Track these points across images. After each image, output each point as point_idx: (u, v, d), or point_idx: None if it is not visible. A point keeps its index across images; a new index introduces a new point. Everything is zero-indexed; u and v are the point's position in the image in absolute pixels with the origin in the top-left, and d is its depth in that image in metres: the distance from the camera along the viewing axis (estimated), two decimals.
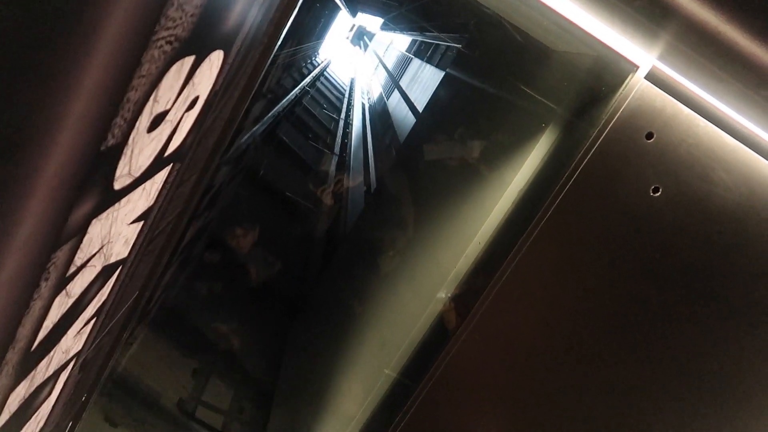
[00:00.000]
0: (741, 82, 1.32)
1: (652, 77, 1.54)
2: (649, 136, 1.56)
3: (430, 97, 5.45)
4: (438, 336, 1.94)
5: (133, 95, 0.74)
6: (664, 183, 1.59)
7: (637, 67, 1.55)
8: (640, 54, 1.53)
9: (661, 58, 1.50)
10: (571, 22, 1.49)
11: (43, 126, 0.55)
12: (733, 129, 1.55)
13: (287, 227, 6.36)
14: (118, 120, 0.74)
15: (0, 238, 0.60)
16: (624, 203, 1.60)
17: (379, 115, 11.98)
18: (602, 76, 1.70)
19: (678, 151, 1.57)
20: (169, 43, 0.78)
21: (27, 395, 1.07)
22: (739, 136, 1.55)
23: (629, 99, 1.54)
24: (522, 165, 1.87)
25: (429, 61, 10.20)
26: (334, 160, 9.84)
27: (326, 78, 16.68)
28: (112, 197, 0.89)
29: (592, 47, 1.68)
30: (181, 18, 0.77)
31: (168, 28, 0.74)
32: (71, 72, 0.54)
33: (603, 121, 1.56)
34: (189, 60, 0.91)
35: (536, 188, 1.79)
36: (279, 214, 6.64)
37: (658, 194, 1.59)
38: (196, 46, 0.91)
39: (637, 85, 1.54)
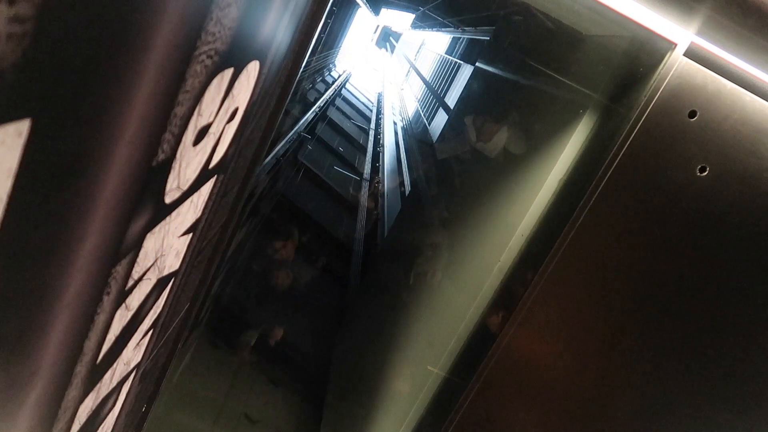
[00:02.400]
0: None
1: (692, 53, 1.50)
2: (692, 114, 1.52)
3: (467, 96, 4.92)
4: (485, 332, 1.93)
5: (179, 110, 0.77)
6: (711, 162, 1.54)
7: (675, 45, 1.51)
8: (678, 31, 1.49)
9: (699, 33, 1.46)
10: (603, 5, 1.47)
11: (101, 146, 0.57)
12: None
13: (327, 231, 6.43)
14: (167, 135, 0.76)
15: (65, 256, 0.62)
16: (670, 185, 1.56)
17: (419, 142, 8.04)
18: (639, 57, 1.66)
19: (723, 127, 1.52)
20: (210, 57, 0.80)
21: (94, 407, 1.11)
22: None
23: (669, 78, 1.50)
24: (561, 153, 1.84)
25: (467, 60, 7.65)
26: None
27: (346, 98, 13.28)
28: (164, 211, 0.92)
29: (626, 28, 1.65)
30: (219, 32, 0.79)
31: (208, 43, 0.76)
32: (124, 92, 0.56)
33: (643, 102, 1.52)
34: (228, 72, 0.93)
35: (577, 176, 1.76)
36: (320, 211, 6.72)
37: (705, 174, 1.55)
38: (234, 58, 0.93)
39: (676, 63, 1.50)
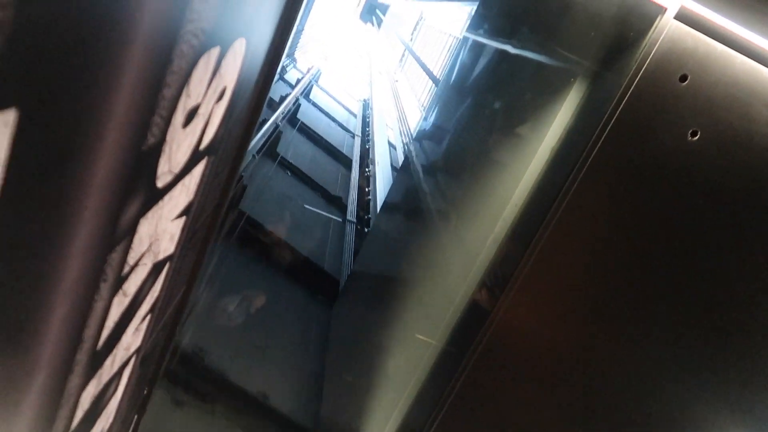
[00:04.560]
0: None
1: (683, 16, 1.48)
2: (683, 78, 1.51)
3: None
4: (481, 303, 1.94)
5: (168, 92, 0.75)
6: (703, 126, 1.54)
7: (665, 9, 1.50)
8: None
9: None
10: None
11: (89, 132, 0.56)
12: None
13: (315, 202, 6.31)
14: (156, 118, 0.75)
15: (60, 245, 0.62)
16: (662, 151, 1.56)
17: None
18: (629, 22, 1.65)
19: (715, 91, 1.52)
20: (196, 36, 0.78)
21: (97, 393, 1.12)
22: None
23: (659, 42, 1.49)
24: (552, 122, 1.84)
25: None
26: None
27: (310, 117, 8.69)
28: (156, 195, 0.91)
29: None
30: (204, 9, 0.77)
31: (193, 21, 0.75)
32: (111, 76, 0.55)
33: (633, 68, 1.51)
34: (215, 51, 0.91)
35: (569, 144, 1.76)
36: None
37: (696, 138, 1.55)
38: (221, 36, 0.91)
39: (666, 26, 1.48)
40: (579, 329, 1.74)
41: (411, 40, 15.70)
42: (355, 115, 11.81)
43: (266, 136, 5.99)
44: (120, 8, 0.51)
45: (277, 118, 6.67)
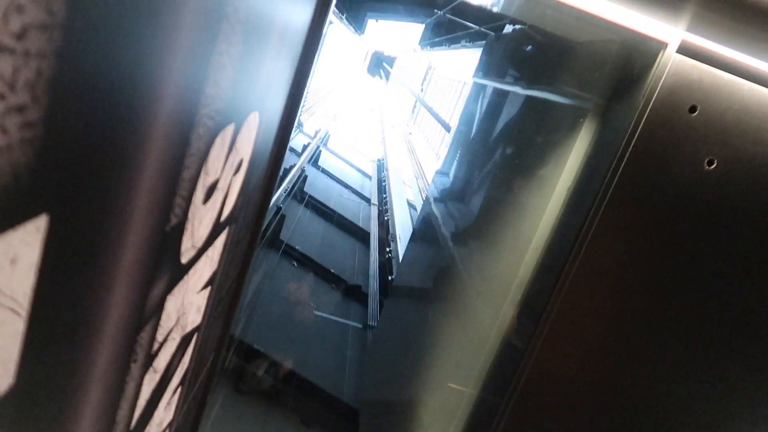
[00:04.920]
0: None
1: (684, 50, 1.50)
2: (693, 109, 1.52)
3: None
4: (513, 347, 1.91)
5: (187, 173, 0.78)
6: (718, 154, 1.54)
7: (666, 44, 1.52)
8: (667, 29, 1.50)
9: (689, 29, 1.46)
10: (588, 13, 1.48)
11: (115, 224, 0.58)
12: None
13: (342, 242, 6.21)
14: (177, 199, 0.77)
15: (92, 332, 0.63)
16: (680, 182, 1.55)
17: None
18: (632, 59, 1.67)
19: (725, 119, 1.52)
20: (211, 117, 0.82)
21: None
22: None
23: (664, 76, 1.51)
24: (566, 161, 1.84)
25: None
26: None
27: (320, 182, 8.41)
28: (181, 271, 0.93)
29: (615, 33, 1.66)
30: (217, 93, 0.81)
31: (208, 105, 0.78)
32: (133, 170, 0.57)
33: (641, 103, 1.52)
34: (230, 128, 0.95)
35: (585, 182, 1.76)
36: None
37: (713, 166, 1.54)
38: (234, 114, 0.95)
39: (669, 60, 1.50)
40: (613, 364, 1.69)
41: (422, 90, 15.12)
42: (369, 177, 10.98)
43: (266, 223, 4.84)
44: (139, 108, 0.54)
45: (279, 199, 5.66)
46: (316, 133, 10.92)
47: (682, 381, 1.67)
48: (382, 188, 10.12)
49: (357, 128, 15.81)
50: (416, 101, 15.32)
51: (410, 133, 13.59)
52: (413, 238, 4.69)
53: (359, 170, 11.15)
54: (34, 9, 0.35)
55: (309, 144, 9.32)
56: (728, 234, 1.56)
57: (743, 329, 1.62)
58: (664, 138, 1.53)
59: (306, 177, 7.79)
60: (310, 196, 7.29)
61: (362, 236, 7.39)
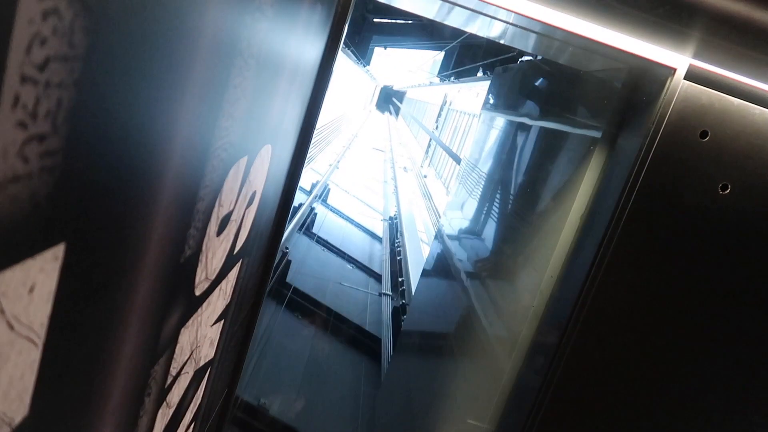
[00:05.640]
0: None
1: (692, 76, 1.51)
2: (704, 135, 1.52)
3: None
4: (530, 380, 1.87)
5: (201, 206, 0.79)
6: (731, 178, 1.52)
7: (674, 70, 1.53)
8: (674, 57, 1.51)
9: (696, 56, 1.47)
10: (598, 42, 1.50)
11: (130, 255, 0.58)
12: None
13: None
14: (192, 231, 0.78)
15: (106, 364, 0.63)
16: (694, 208, 1.54)
17: None
18: (640, 86, 1.68)
19: (737, 143, 1.51)
20: (225, 150, 0.83)
21: None
22: None
23: (673, 102, 1.51)
24: (578, 190, 1.84)
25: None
26: None
27: (314, 261, 6.33)
28: (195, 304, 0.92)
29: (623, 60, 1.68)
30: (231, 125, 0.82)
31: (222, 137, 0.79)
32: (149, 203, 0.58)
33: (652, 130, 1.53)
34: (243, 161, 0.96)
35: (597, 212, 1.75)
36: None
37: (727, 191, 1.53)
38: (248, 146, 0.96)
39: (678, 87, 1.51)
40: (630, 397, 1.65)
41: (437, 128, 12.71)
42: (380, 240, 8.68)
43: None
44: (155, 140, 0.55)
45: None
46: (313, 187, 8.86)
47: (701, 418, 1.63)
48: (395, 260, 7.46)
49: (364, 175, 13.53)
50: (430, 140, 13.34)
51: (425, 176, 11.74)
52: (425, 274, 4.66)
53: (366, 230, 8.84)
54: (56, 41, 0.36)
55: (302, 204, 7.27)
56: (747, 257, 1.54)
57: (763, 360, 1.58)
58: (676, 164, 1.53)
59: (289, 262, 5.53)
60: (295, 289, 5.27)
61: (371, 342, 5.42)
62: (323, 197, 9.23)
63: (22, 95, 0.34)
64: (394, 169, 14.30)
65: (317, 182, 9.40)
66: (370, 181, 13.07)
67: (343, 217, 9.06)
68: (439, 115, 13.40)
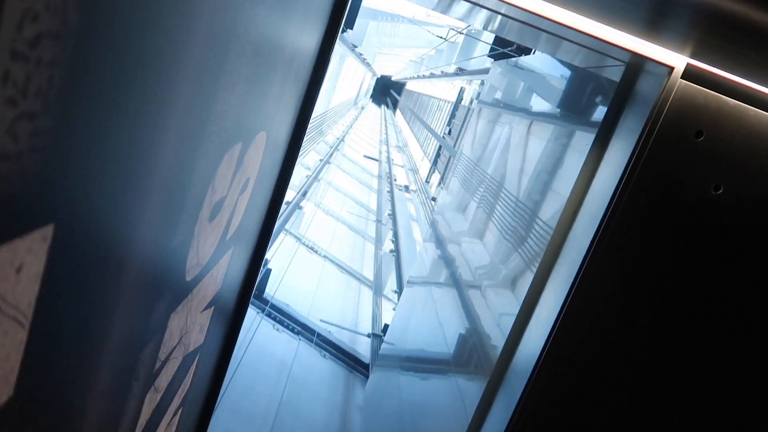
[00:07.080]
0: None
1: (689, 75, 1.51)
2: (699, 134, 1.52)
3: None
4: (514, 386, 1.88)
5: (195, 191, 0.78)
6: (725, 179, 1.53)
7: (672, 68, 1.53)
8: (672, 56, 1.51)
9: (694, 55, 1.47)
10: (596, 38, 1.49)
11: (120, 238, 0.58)
12: None
13: None
14: (184, 216, 0.77)
15: (94, 347, 0.62)
16: (687, 208, 1.54)
17: None
18: (637, 84, 1.68)
19: (732, 143, 1.52)
20: (219, 134, 0.82)
21: None
22: None
23: (670, 101, 1.51)
24: (571, 188, 1.84)
25: None
26: None
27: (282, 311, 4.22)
28: (185, 289, 0.92)
29: (620, 59, 1.67)
30: (226, 111, 0.81)
31: (216, 123, 0.79)
32: (140, 186, 0.58)
33: (647, 128, 1.53)
34: (237, 147, 0.95)
35: (591, 209, 1.75)
36: None
37: (720, 192, 1.53)
38: (242, 133, 0.95)
39: (675, 86, 1.51)
40: (618, 397, 1.66)
41: (448, 133, 9.98)
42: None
43: None
44: (148, 121, 0.54)
45: None
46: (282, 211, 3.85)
47: (691, 418, 1.64)
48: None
49: (347, 207, 9.12)
50: (439, 147, 10.40)
51: (434, 199, 8.79)
52: (411, 282, 4.63)
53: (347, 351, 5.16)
54: (48, 18, 0.35)
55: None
56: (737, 259, 1.55)
57: (757, 360, 1.59)
58: (670, 162, 1.53)
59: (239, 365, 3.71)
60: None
61: None
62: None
63: (12, 72, 0.33)
64: (392, 190, 10.46)
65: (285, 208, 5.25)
66: (356, 219, 8.66)
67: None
68: (452, 116, 10.15)
